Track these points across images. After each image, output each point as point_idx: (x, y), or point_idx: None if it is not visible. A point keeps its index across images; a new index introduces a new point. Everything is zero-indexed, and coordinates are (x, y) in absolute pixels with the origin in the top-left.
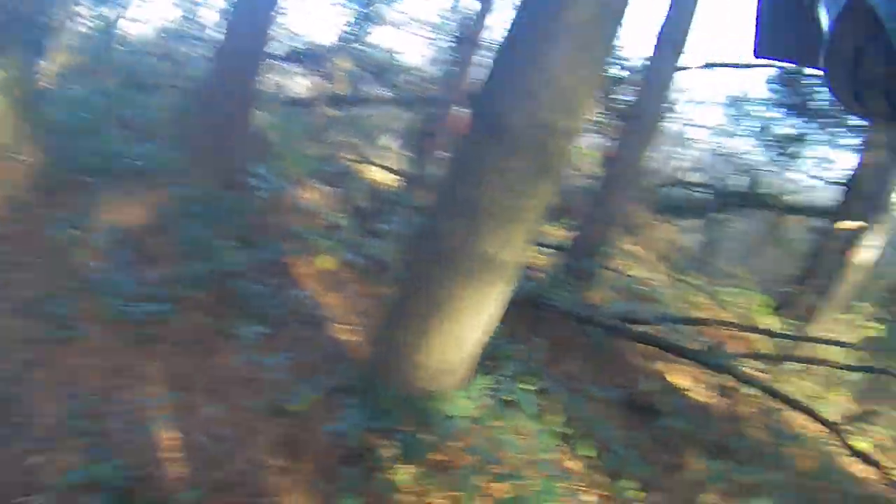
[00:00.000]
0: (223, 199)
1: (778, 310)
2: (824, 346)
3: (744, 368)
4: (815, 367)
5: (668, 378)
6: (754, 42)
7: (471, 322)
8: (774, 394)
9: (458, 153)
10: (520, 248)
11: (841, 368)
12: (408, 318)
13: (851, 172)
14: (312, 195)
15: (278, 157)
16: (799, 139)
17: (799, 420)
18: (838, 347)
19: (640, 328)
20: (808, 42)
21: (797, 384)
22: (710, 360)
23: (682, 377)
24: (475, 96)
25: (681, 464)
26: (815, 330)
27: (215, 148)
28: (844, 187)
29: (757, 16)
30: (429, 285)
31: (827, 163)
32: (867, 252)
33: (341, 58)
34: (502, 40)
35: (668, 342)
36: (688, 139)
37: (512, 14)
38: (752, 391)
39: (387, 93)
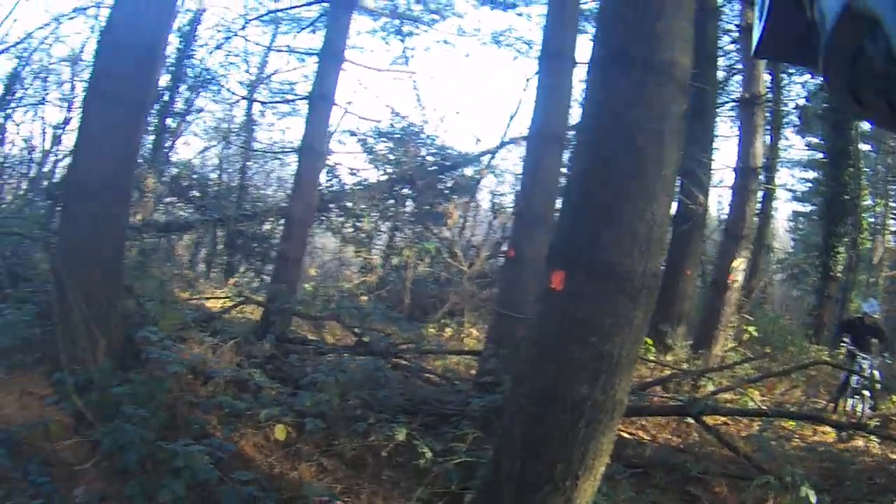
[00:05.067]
0: (131, 382)
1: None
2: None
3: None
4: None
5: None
6: (756, 43)
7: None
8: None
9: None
10: None
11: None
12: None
13: None
14: (202, 349)
15: (150, 307)
16: None
17: None
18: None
19: None
20: (807, 43)
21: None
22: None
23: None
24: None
25: None
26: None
27: (92, 314)
28: None
29: (760, 18)
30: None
31: None
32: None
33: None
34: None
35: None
36: None
37: None
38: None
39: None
